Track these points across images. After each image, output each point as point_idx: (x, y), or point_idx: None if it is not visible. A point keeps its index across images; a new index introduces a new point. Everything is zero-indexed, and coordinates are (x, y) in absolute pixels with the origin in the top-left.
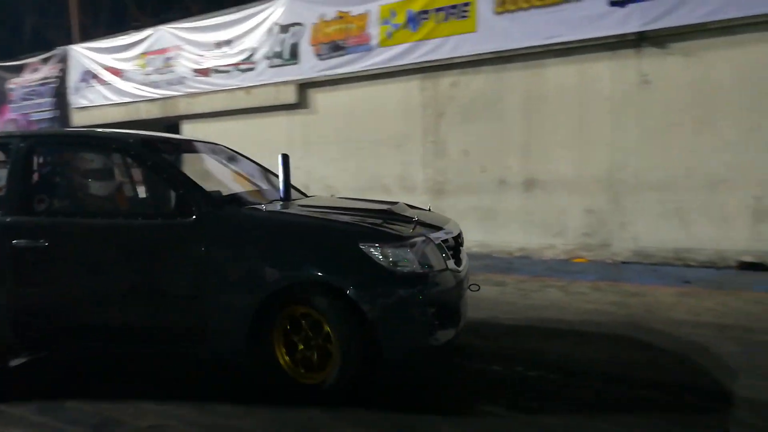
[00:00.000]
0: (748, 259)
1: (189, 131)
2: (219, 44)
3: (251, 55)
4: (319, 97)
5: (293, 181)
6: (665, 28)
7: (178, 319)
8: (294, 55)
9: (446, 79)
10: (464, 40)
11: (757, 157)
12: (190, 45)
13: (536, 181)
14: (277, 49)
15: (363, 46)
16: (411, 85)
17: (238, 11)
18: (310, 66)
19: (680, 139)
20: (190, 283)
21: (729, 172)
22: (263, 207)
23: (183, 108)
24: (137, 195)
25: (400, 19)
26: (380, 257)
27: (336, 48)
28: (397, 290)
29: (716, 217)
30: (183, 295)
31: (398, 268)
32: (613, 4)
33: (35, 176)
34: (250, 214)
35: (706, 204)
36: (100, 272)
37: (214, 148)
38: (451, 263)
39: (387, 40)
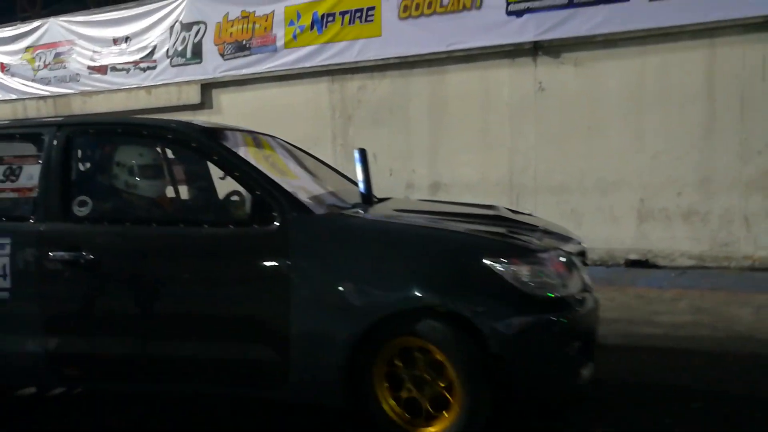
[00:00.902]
0: (633, 256)
1: None
2: (116, 40)
3: (152, 53)
4: (225, 98)
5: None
6: (558, 39)
7: (252, 353)
8: (197, 54)
9: (354, 83)
10: (370, 44)
11: (641, 161)
12: (84, 40)
13: (441, 184)
14: (180, 47)
15: (268, 46)
16: (319, 88)
17: (137, 6)
18: (214, 66)
19: (574, 144)
20: (268, 307)
21: (617, 175)
22: (360, 212)
23: (77, 107)
24: (201, 197)
25: (306, 21)
26: (511, 276)
27: (241, 48)
28: (535, 318)
29: (607, 218)
30: (259, 322)
31: (534, 289)
32: (510, 13)
33: (75, 174)
34: (347, 221)
35: (598, 206)
36: (155, 293)
37: (271, 141)
38: (588, 280)
39: (293, 42)
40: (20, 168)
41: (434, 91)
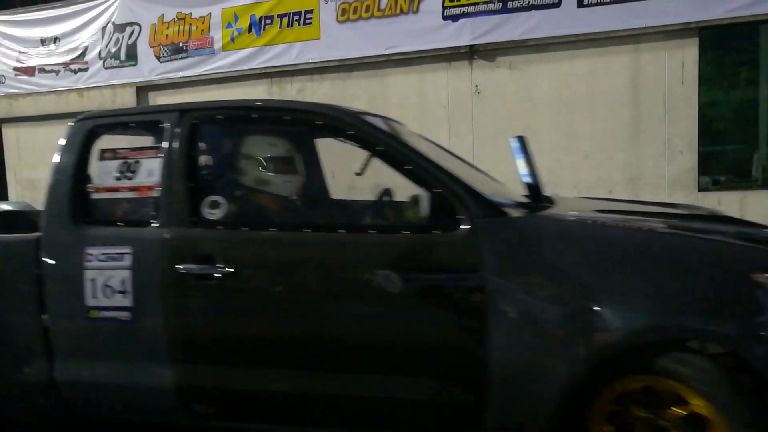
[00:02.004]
0: None
1: (12, 137)
2: (44, 41)
3: (83, 54)
4: (161, 101)
5: None
6: (492, 43)
7: (436, 391)
8: (132, 56)
9: (293, 85)
10: (309, 46)
11: (573, 161)
12: (9, 40)
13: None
14: (113, 49)
15: (206, 49)
16: (258, 90)
17: (66, 6)
18: (149, 68)
19: (509, 145)
20: (457, 334)
21: (551, 175)
22: (564, 213)
23: (2, 110)
24: (361, 196)
25: (244, 23)
26: None
27: (177, 50)
28: None
29: None
30: (445, 352)
31: None
32: (446, 18)
33: (203, 169)
34: (558, 224)
35: None
36: (308, 314)
37: (402, 129)
38: None
39: (230, 44)
40: (137, 162)
41: (373, 93)
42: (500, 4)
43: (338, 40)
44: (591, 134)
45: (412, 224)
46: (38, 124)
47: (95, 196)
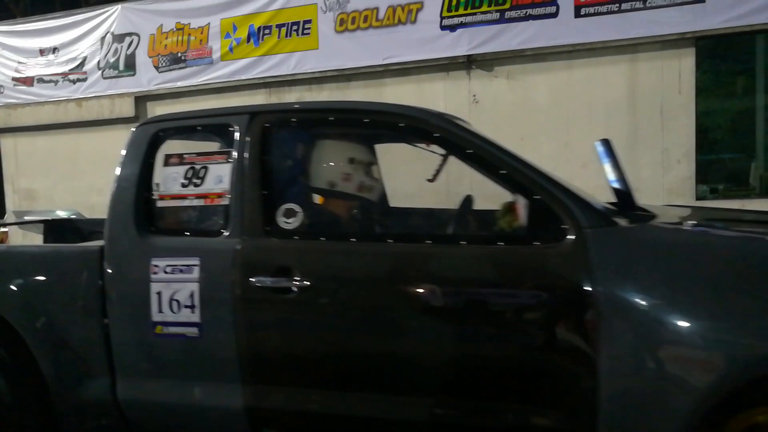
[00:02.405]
0: None
1: (10, 147)
2: (43, 51)
3: (81, 65)
4: (160, 111)
5: None
6: (490, 53)
7: (539, 419)
8: (130, 66)
9: (292, 95)
10: (307, 56)
11: (571, 170)
12: (8, 50)
13: None
14: (112, 59)
15: (204, 59)
16: (257, 100)
17: (65, 17)
18: (148, 78)
19: None
20: (563, 356)
21: None
22: (679, 223)
23: (1, 120)
24: (450, 203)
25: (242, 33)
26: None
27: (176, 60)
28: None
29: None
30: (549, 376)
31: None
32: (444, 28)
33: (277, 175)
34: (677, 235)
35: None
36: (395, 333)
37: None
38: None
39: (229, 54)
40: (205, 168)
41: None
42: (498, 14)
43: (336, 49)
44: (588, 143)
45: (507, 235)
46: (36, 134)
47: (161, 204)
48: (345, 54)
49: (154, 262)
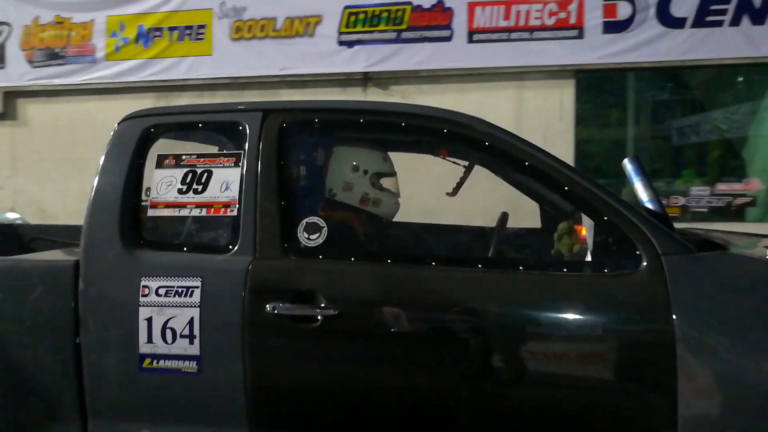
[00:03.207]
0: None
1: None
2: None
3: None
4: (33, 108)
5: None
6: (386, 71)
7: None
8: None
9: (182, 100)
10: (200, 62)
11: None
12: None
13: None
14: None
15: (87, 57)
16: (144, 104)
17: None
18: (19, 73)
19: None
20: (634, 394)
21: (438, 204)
22: (759, 251)
23: None
24: (503, 224)
25: (130, 33)
26: None
27: (53, 56)
28: None
29: None
30: (624, 418)
31: None
32: (341, 43)
33: (297, 183)
34: (760, 265)
35: None
36: (440, 369)
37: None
38: None
39: (115, 54)
40: (208, 173)
41: None
42: (395, 33)
43: (231, 57)
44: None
45: (574, 261)
46: None
47: (152, 213)
48: (240, 62)
49: (145, 282)
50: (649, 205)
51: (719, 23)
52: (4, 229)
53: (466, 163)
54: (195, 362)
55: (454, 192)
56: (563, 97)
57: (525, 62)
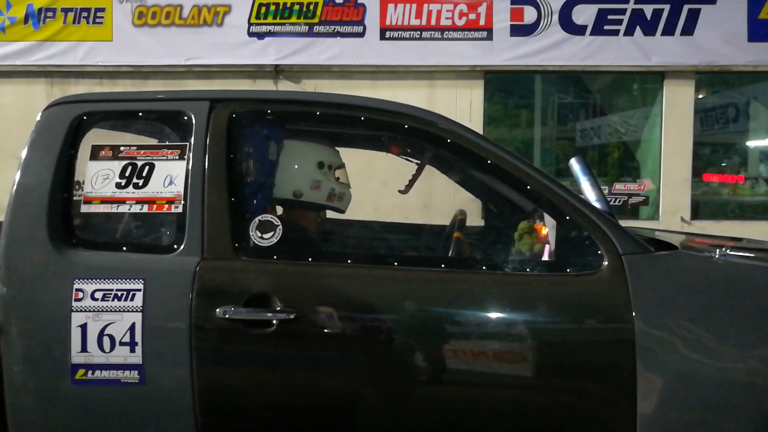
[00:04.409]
0: None
1: None
2: None
3: None
4: None
5: None
6: (298, 65)
7: None
8: None
9: (79, 88)
10: (99, 47)
11: (373, 188)
12: None
13: None
14: None
15: None
16: (34, 90)
17: None
18: None
19: None
20: (597, 391)
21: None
22: (707, 251)
23: None
24: (464, 222)
25: (19, 12)
26: None
27: None
28: None
29: None
30: (586, 413)
31: None
32: (251, 35)
33: (247, 178)
34: (719, 266)
35: None
36: (406, 375)
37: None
38: None
39: (1, 35)
40: (150, 166)
41: None
42: (306, 27)
43: (134, 44)
44: (388, 163)
45: (534, 261)
46: None
47: (86, 209)
48: (143, 50)
49: (78, 285)
50: (597, 205)
51: (615, 32)
52: None
53: (418, 161)
54: (137, 372)
55: (407, 189)
56: (473, 97)
57: (436, 61)
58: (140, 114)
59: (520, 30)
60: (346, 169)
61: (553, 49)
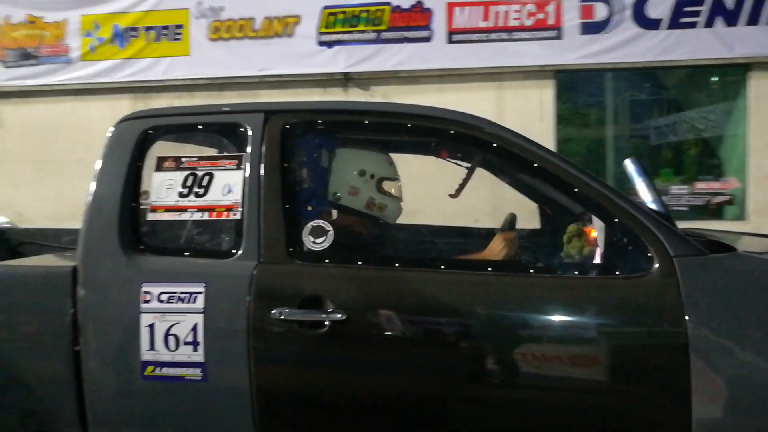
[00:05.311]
0: None
1: None
2: None
3: None
4: (7, 110)
5: None
6: (366, 72)
7: None
8: None
9: (160, 101)
10: (178, 62)
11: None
12: None
13: None
14: None
15: (61, 57)
16: (121, 104)
17: None
18: None
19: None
20: (648, 400)
21: (419, 203)
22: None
23: None
24: (511, 227)
25: (106, 33)
26: None
27: (26, 56)
28: None
29: None
30: (637, 423)
31: None
32: (321, 44)
33: (301, 186)
34: None
35: None
36: (454, 377)
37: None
38: None
39: (90, 54)
40: (209, 175)
41: None
42: (374, 34)
43: (209, 57)
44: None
45: (582, 264)
46: None
47: (152, 217)
48: (218, 62)
49: (146, 287)
50: (653, 206)
51: (693, 24)
52: None
53: (468, 165)
54: (199, 369)
55: (457, 193)
56: (543, 97)
57: (504, 63)
58: (200, 127)
59: (591, 27)
60: (398, 182)
61: (626, 46)
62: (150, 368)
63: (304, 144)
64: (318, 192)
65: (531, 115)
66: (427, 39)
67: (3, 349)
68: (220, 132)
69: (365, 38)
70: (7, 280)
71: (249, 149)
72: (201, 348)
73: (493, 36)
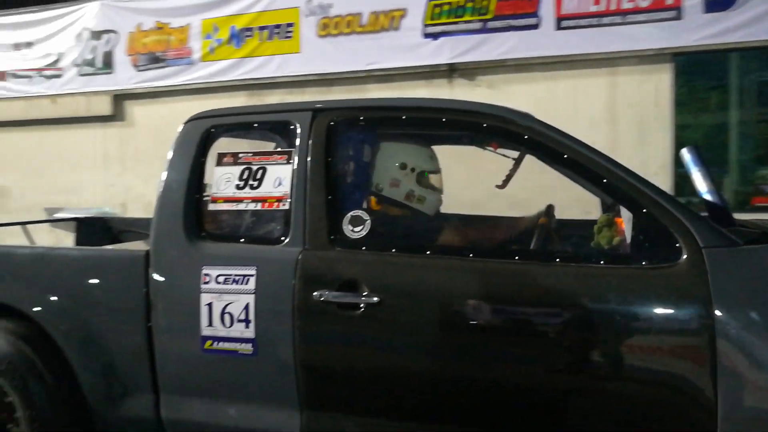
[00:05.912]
0: None
1: None
2: (18, 45)
3: (57, 61)
4: (138, 110)
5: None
6: (472, 62)
7: None
8: (108, 63)
9: (272, 98)
10: (289, 59)
11: (551, 181)
12: None
13: None
14: (89, 56)
15: (184, 59)
16: (237, 102)
17: (41, 11)
18: (126, 76)
19: (487, 162)
20: (674, 391)
21: (528, 193)
22: None
23: None
24: (549, 217)
25: (223, 34)
26: None
27: (155, 59)
28: None
29: None
30: (661, 413)
31: None
32: (426, 35)
33: (344, 179)
34: None
35: None
36: (477, 359)
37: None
38: None
39: (209, 55)
40: (263, 169)
41: None
42: (480, 23)
43: (319, 54)
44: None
45: (608, 253)
46: (7, 129)
47: (212, 207)
48: (327, 58)
49: (206, 270)
50: (708, 197)
51: None
52: (97, 221)
53: (523, 155)
54: (250, 344)
55: (504, 184)
56: (659, 81)
57: (618, 47)
58: (255, 125)
59: (716, 5)
60: (441, 175)
61: (755, 23)
62: (209, 342)
63: (347, 139)
64: (358, 184)
65: (646, 102)
66: (534, 26)
67: (94, 323)
68: (274, 129)
69: (471, 28)
70: (97, 262)
71: (297, 145)
72: (252, 325)
73: (605, 20)
